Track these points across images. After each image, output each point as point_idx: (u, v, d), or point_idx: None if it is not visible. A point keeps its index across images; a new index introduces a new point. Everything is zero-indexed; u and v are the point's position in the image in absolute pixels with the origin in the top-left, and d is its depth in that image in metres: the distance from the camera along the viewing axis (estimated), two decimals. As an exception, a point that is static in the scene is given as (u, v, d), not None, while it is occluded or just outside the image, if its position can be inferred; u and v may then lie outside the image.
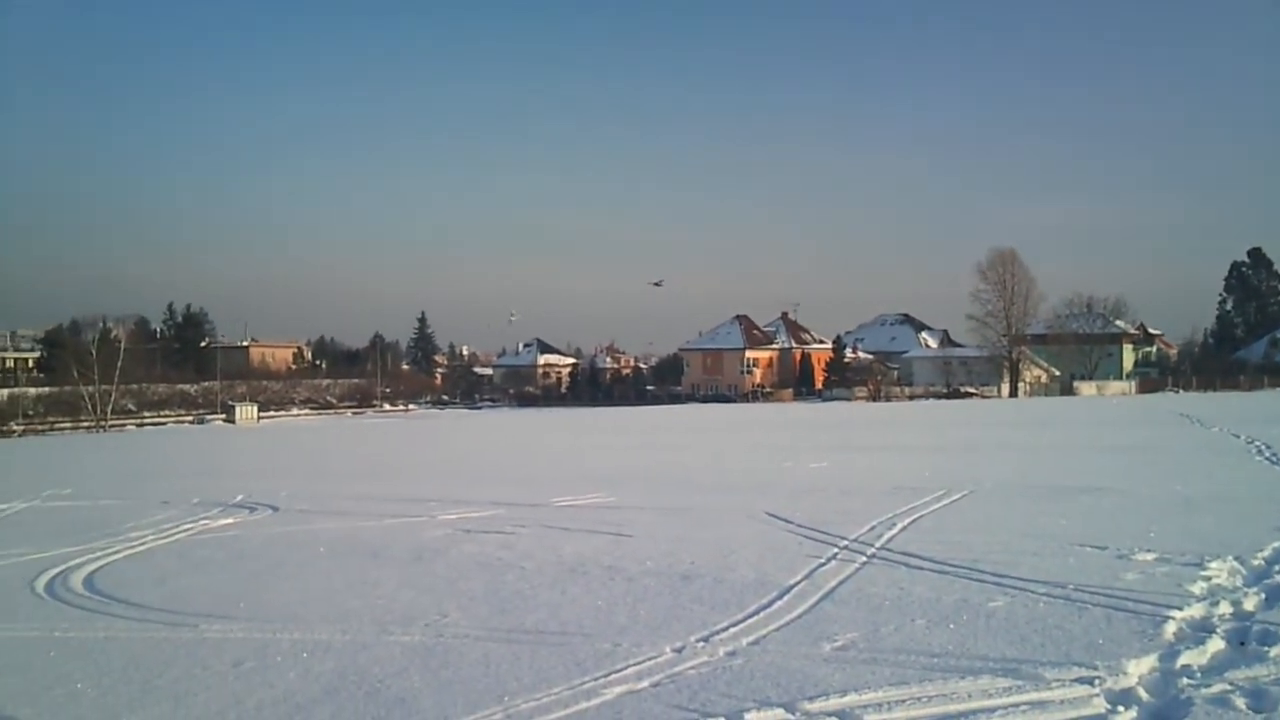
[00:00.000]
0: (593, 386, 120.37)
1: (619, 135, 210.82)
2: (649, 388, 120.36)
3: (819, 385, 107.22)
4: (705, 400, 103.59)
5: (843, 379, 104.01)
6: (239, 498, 20.52)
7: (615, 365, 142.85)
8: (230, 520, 17.26)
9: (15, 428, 71.84)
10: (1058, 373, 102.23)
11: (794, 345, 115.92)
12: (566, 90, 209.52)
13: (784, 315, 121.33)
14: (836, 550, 12.07)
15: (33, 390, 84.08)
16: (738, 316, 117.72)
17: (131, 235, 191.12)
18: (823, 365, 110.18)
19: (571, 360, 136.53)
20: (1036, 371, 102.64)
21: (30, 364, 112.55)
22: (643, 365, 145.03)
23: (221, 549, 14.19)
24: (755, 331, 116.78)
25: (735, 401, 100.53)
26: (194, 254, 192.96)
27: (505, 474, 25.81)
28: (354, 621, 9.22)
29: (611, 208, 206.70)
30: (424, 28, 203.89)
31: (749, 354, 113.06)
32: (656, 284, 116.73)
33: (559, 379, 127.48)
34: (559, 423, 62.34)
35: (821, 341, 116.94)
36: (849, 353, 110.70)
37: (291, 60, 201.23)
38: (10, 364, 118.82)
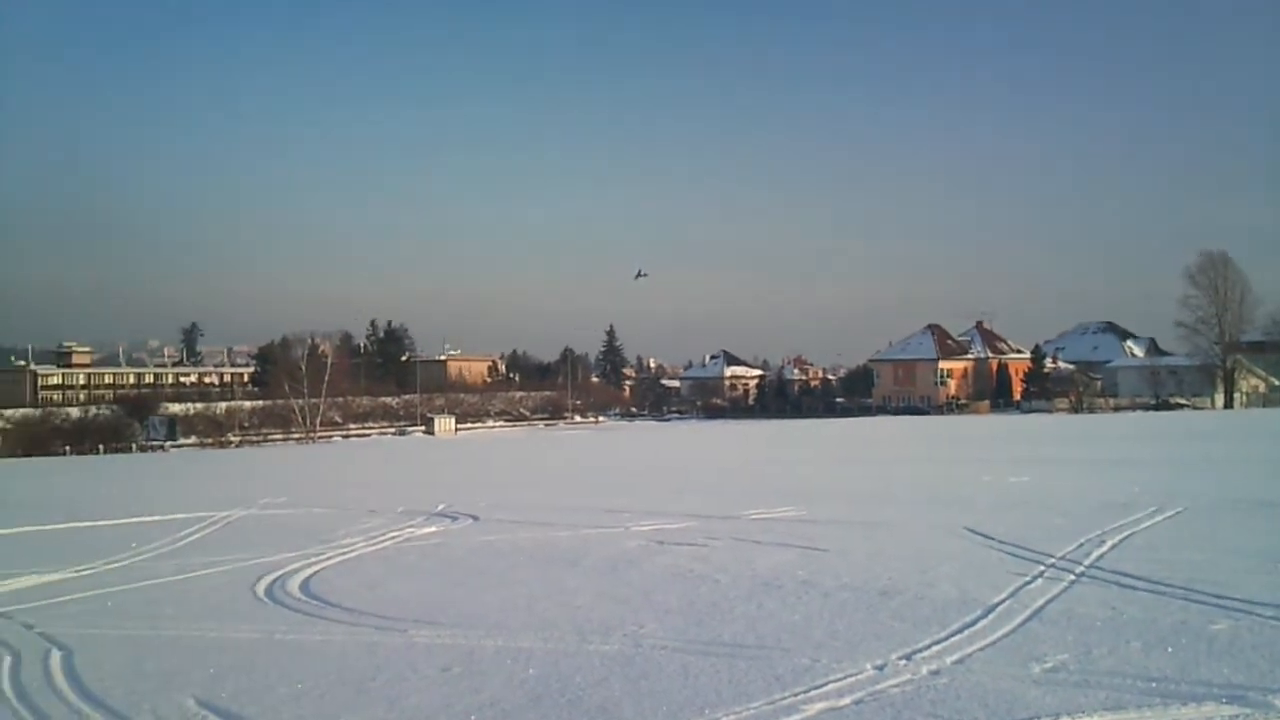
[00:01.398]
0: (780, 398, 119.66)
1: (804, 143, 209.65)
2: (838, 400, 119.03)
3: (1017, 397, 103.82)
4: (897, 412, 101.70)
5: (1042, 390, 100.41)
6: (441, 507, 21.24)
7: (803, 377, 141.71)
8: (434, 529, 17.89)
9: (232, 439, 76.39)
10: (1278, 382, 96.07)
11: (990, 355, 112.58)
12: (747, 99, 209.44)
13: (979, 324, 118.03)
14: (1042, 568, 11.66)
15: (247, 404, 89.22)
16: (930, 326, 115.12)
17: (337, 255, 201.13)
18: (1020, 376, 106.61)
19: (758, 372, 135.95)
20: (1254, 381, 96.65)
21: (245, 379, 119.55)
22: (831, 377, 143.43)
23: (427, 556, 14.72)
24: (949, 341, 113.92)
25: (928, 414, 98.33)
26: (395, 271, 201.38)
27: (696, 486, 25.90)
28: (554, 630, 9.41)
29: (794, 217, 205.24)
30: (607, 34, 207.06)
31: (942, 364, 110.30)
32: (642, 275, 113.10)
33: (746, 391, 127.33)
34: (747, 435, 62.23)
35: (1019, 351, 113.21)
36: (1048, 363, 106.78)
37: (483, 80, 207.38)
38: (228, 379, 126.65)
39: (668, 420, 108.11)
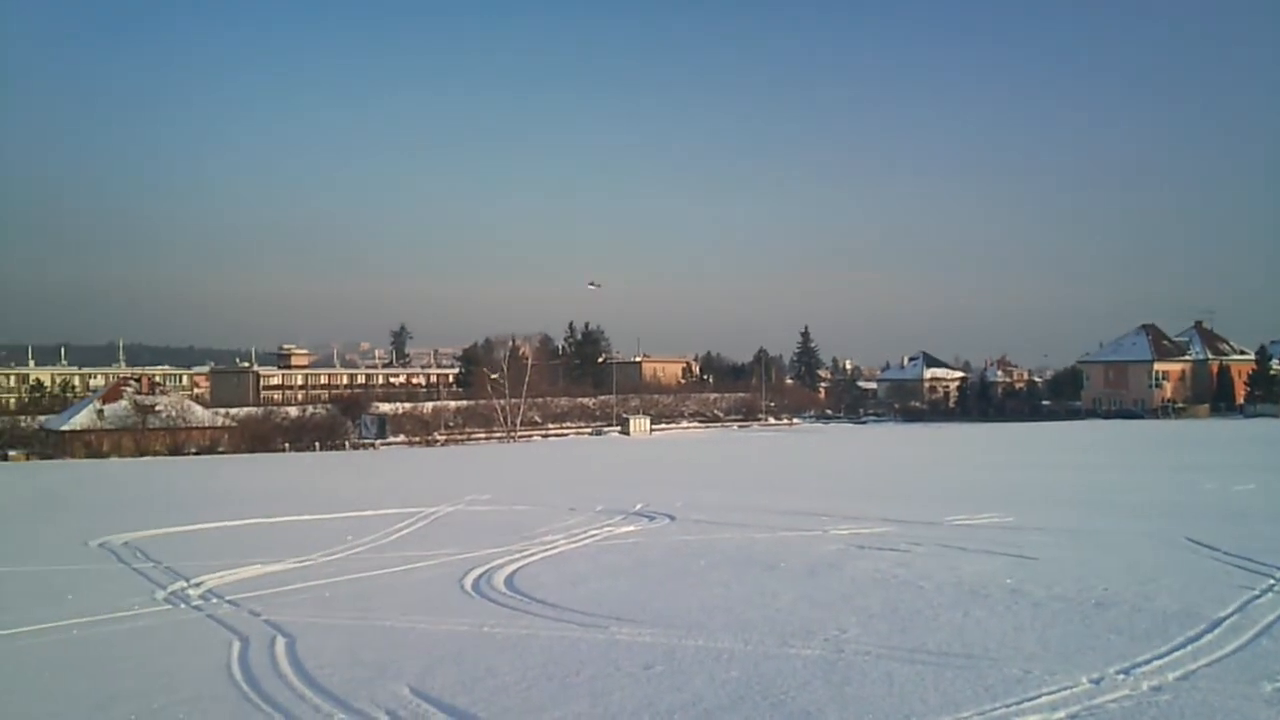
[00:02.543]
0: (983, 401, 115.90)
1: (1006, 137, 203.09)
2: (1044, 403, 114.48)
3: (1239, 400, 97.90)
4: (1107, 416, 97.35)
5: (1268, 393, 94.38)
6: (638, 506, 21.48)
7: (1007, 379, 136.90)
8: (632, 528, 18.10)
9: (438, 437, 79.02)
10: None
11: (1209, 356, 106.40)
12: (951, 96, 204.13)
13: (1197, 324, 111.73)
14: (1272, 581, 10.98)
15: (452, 404, 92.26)
16: (1144, 326, 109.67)
17: (535, 260, 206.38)
18: (1244, 378, 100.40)
19: (960, 374, 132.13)
20: None
21: (450, 379, 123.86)
22: (1037, 379, 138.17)
23: (626, 555, 14.91)
24: (1164, 342, 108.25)
25: (1142, 418, 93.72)
26: (593, 274, 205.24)
27: (895, 490, 25.41)
28: (754, 632, 9.37)
29: (997, 213, 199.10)
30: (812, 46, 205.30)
31: (1157, 366, 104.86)
32: (594, 285, 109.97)
33: (946, 393, 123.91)
34: (948, 439, 60.66)
35: (1243, 352, 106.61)
36: (1275, 364, 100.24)
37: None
38: (434, 380, 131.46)
39: (864, 423, 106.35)
